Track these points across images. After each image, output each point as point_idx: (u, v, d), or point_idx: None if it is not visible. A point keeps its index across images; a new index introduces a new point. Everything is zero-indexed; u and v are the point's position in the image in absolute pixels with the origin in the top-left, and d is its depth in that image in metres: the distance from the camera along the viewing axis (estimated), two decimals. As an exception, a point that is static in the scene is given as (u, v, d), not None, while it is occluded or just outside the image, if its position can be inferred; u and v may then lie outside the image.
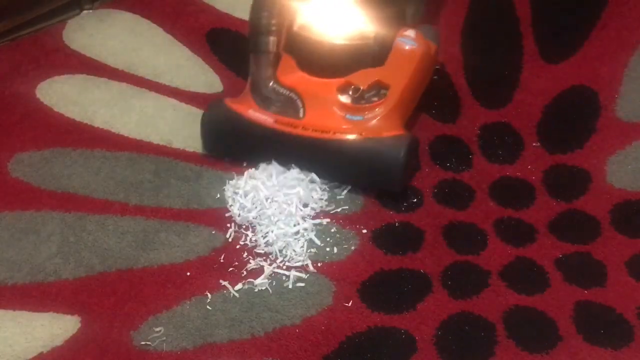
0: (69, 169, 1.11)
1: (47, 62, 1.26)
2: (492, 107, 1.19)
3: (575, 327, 0.91)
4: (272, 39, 1.09)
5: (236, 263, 0.99)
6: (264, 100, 1.09)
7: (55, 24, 1.32)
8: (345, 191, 1.08)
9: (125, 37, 1.31)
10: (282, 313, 0.93)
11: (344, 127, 1.06)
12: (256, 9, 1.09)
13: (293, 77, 1.10)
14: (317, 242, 1.00)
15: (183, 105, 1.20)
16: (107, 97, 1.21)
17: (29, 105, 1.19)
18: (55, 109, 1.19)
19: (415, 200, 1.06)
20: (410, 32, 1.11)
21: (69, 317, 0.94)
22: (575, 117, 1.17)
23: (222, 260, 1.00)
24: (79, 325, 0.93)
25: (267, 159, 1.09)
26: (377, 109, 1.06)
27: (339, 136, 1.05)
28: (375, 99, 1.07)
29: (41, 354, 0.90)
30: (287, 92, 1.08)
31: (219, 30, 1.32)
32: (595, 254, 0.99)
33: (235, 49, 1.29)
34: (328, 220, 1.04)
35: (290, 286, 0.96)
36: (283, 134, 1.07)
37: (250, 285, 0.96)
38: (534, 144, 1.14)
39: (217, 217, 1.05)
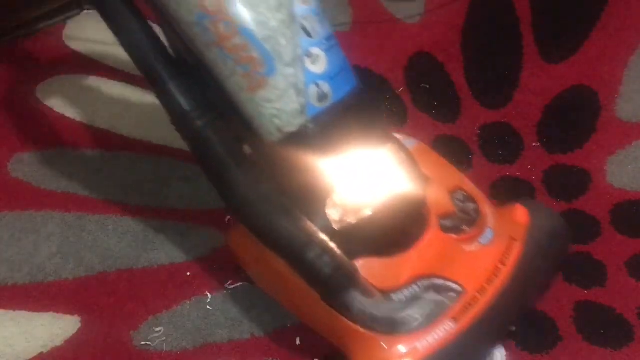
0: (69, 169, 1.11)
1: (47, 62, 1.26)
2: (492, 107, 1.19)
3: (575, 327, 0.91)
4: (353, 267, 0.78)
5: (237, 263, 0.99)
6: (410, 323, 0.80)
7: (56, 24, 1.32)
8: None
9: (125, 37, 1.30)
10: (282, 313, 0.93)
11: (496, 250, 0.86)
12: (313, 256, 0.76)
13: (400, 271, 0.82)
14: None
15: (183, 105, 1.20)
16: (107, 97, 1.21)
17: (29, 105, 1.19)
18: (55, 109, 1.19)
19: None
20: (398, 135, 0.91)
21: (69, 317, 0.94)
22: (575, 117, 1.17)
23: (222, 260, 1.00)
24: (79, 325, 0.93)
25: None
26: (487, 210, 0.88)
27: (512, 258, 0.85)
28: (471, 205, 0.88)
29: (41, 354, 0.90)
30: (418, 288, 0.81)
31: (219, 30, 1.31)
32: (595, 254, 0.99)
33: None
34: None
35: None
36: (480, 319, 0.81)
37: (251, 286, 0.96)
38: (533, 144, 1.14)
39: (217, 217, 1.05)
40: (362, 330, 0.80)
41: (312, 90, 0.76)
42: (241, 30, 0.73)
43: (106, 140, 1.15)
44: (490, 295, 0.82)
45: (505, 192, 1.08)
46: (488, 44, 1.29)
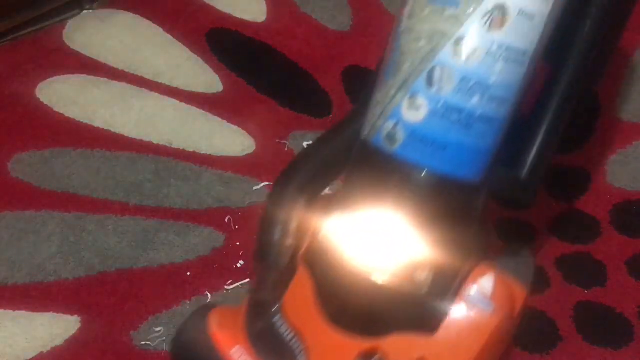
0: (69, 169, 1.11)
1: (47, 62, 1.26)
2: (492, 107, 1.19)
3: (575, 327, 0.91)
4: (283, 256, 0.74)
5: (237, 263, 0.99)
6: (257, 336, 0.75)
7: (56, 24, 1.32)
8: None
9: (125, 37, 1.31)
10: (282, 313, 0.93)
11: None
12: (267, 222, 0.75)
13: (304, 313, 0.72)
14: None
15: (183, 105, 1.20)
16: (107, 97, 1.21)
17: (29, 105, 1.19)
18: (55, 109, 1.19)
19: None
20: (487, 282, 0.70)
21: (69, 317, 0.94)
22: (575, 117, 1.17)
23: (222, 260, 1.00)
24: (79, 325, 0.93)
25: None
26: None
27: None
28: None
29: (41, 353, 0.90)
30: (288, 336, 0.72)
31: (219, 30, 1.32)
32: (595, 254, 0.99)
33: (235, 49, 1.29)
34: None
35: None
36: None
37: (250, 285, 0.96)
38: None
39: (217, 217, 1.05)
40: (246, 303, 0.79)
41: (388, 125, 0.67)
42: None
43: (106, 140, 1.15)
44: None
45: (505, 192, 1.08)
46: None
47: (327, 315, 0.71)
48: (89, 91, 1.22)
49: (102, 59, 1.27)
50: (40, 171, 1.10)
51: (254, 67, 1.26)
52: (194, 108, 1.20)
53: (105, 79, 1.24)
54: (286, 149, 1.14)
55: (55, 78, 1.24)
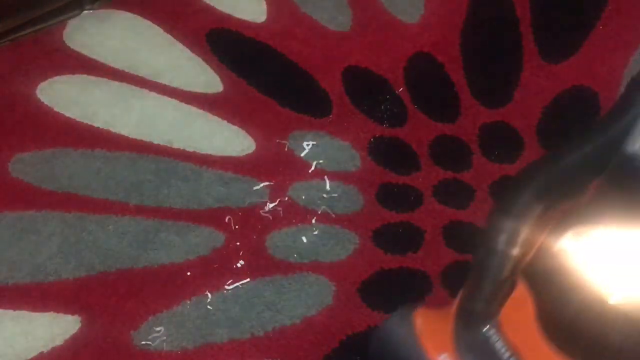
0: (70, 169, 1.11)
1: (47, 62, 1.26)
2: (492, 107, 1.19)
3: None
4: (504, 267, 0.67)
5: (237, 263, 0.99)
6: (468, 347, 0.68)
7: (56, 24, 1.32)
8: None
9: (125, 37, 1.31)
10: (282, 313, 0.94)
11: None
12: (493, 226, 0.68)
13: (523, 332, 0.65)
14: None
15: (183, 105, 1.20)
16: (107, 97, 1.21)
17: (29, 105, 1.20)
18: (56, 109, 1.19)
19: (415, 199, 1.07)
20: None
21: (69, 316, 0.94)
22: (575, 117, 1.17)
23: (222, 260, 1.00)
24: (79, 325, 0.93)
25: None
26: None
27: None
28: None
29: (41, 353, 0.91)
30: (504, 354, 0.65)
31: (219, 30, 1.32)
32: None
33: (236, 49, 1.29)
34: (328, 220, 1.04)
35: (291, 284, 0.96)
36: None
37: (251, 285, 0.96)
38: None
39: (217, 217, 1.05)
40: (455, 309, 0.73)
41: None
42: None
43: (106, 140, 1.15)
44: None
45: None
46: (488, 44, 1.29)
47: (551, 339, 0.63)
48: (90, 91, 1.22)
49: (102, 59, 1.27)
50: (41, 171, 1.11)
51: (254, 68, 1.26)
52: (194, 108, 1.20)
53: (106, 79, 1.24)
54: (286, 149, 1.14)
55: (55, 78, 1.24)
